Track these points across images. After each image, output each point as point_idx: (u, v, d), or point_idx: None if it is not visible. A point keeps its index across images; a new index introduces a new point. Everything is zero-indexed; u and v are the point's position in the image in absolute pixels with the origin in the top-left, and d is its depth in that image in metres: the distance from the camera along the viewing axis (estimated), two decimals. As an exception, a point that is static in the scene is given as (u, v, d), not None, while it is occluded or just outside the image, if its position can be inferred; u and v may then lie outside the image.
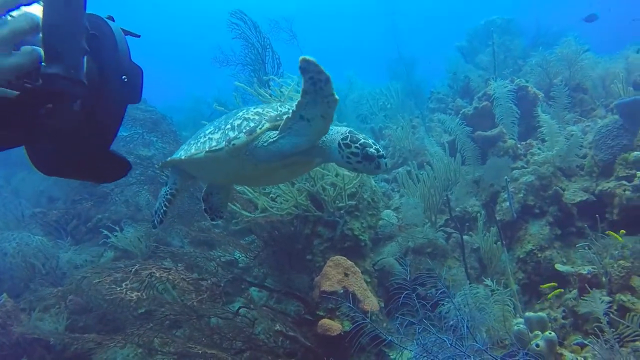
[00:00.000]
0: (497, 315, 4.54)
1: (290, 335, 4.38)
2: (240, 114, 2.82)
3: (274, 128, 2.62)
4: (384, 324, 5.18)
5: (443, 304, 4.54)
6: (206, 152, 2.75)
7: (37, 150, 1.23)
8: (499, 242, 5.45)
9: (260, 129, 2.62)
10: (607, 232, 4.89)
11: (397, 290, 4.36)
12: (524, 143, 6.94)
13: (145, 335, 4.25)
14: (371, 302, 5.03)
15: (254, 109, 2.84)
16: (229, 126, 2.77)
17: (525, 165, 6.35)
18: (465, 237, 5.94)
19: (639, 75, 7.46)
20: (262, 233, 5.77)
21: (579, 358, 3.63)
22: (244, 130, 2.65)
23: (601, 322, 3.62)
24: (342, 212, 5.43)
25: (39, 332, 5.19)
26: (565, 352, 3.71)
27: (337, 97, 2.26)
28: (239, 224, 5.64)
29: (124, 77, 1.20)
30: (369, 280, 5.50)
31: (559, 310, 4.76)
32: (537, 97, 7.71)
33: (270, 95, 5.41)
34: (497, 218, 5.87)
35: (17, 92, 0.96)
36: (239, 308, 4.55)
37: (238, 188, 5.36)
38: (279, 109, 2.78)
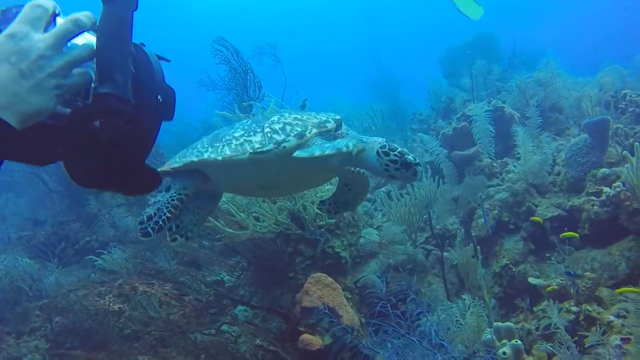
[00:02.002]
0: (472, 327, 4.69)
1: (271, 349, 4.50)
2: (275, 118, 2.88)
3: (320, 134, 2.77)
4: (365, 340, 5.30)
5: (421, 319, 4.69)
6: (250, 153, 2.73)
7: (77, 164, 1.33)
8: (475, 258, 5.62)
9: (309, 133, 2.73)
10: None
11: (378, 306, 4.52)
12: (500, 161, 7.17)
13: (129, 352, 4.35)
14: (351, 318, 5.16)
15: (290, 114, 2.93)
16: (268, 129, 2.80)
17: (501, 183, 6.57)
18: (444, 253, 6.11)
19: (609, 95, 7.74)
20: (245, 252, 5.90)
21: (544, 365, 3.79)
22: (293, 134, 2.73)
23: (564, 332, 3.78)
24: (323, 230, 5.59)
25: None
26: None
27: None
28: (222, 239, 5.77)
29: (159, 97, 1.35)
30: (349, 296, 5.64)
31: (533, 323, 4.91)
32: (513, 117, 7.98)
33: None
34: (473, 234, 6.06)
35: (70, 110, 1.12)
36: (221, 324, 4.66)
37: (225, 205, 5.51)
38: (317, 117, 2.91)
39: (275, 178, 2.98)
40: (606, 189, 5.42)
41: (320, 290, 5.21)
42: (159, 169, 3.09)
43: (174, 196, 3.00)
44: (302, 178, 3.05)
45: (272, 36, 9.43)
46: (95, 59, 1.14)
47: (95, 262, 7.47)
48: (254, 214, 5.50)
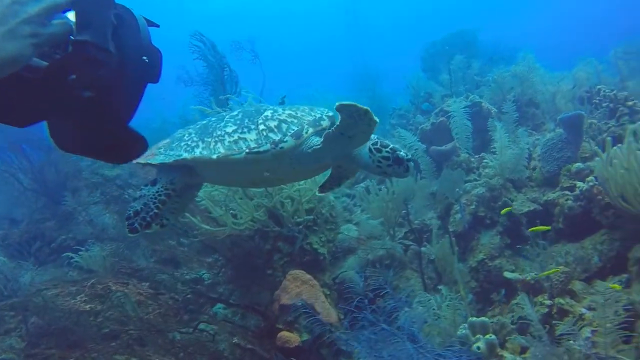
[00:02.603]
0: (450, 321, 4.73)
1: (248, 348, 4.49)
2: (268, 114, 2.85)
3: (316, 133, 2.75)
4: (344, 336, 5.32)
5: (398, 313, 4.73)
6: (247, 153, 2.70)
7: (59, 128, 1.32)
8: (451, 252, 5.67)
9: (306, 133, 2.72)
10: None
11: (356, 302, 4.55)
12: (477, 157, 7.24)
13: (106, 351, 4.31)
14: (329, 314, 5.17)
15: (284, 110, 2.90)
16: (262, 127, 2.77)
17: (478, 178, 6.63)
18: (423, 248, 6.15)
19: (584, 90, 7.85)
20: (223, 249, 5.87)
21: (518, 359, 3.85)
22: (290, 134, 2.72)
23: (538, 325, 3.84)
24: (300, 227, 5.58)
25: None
26: (506, 354, 3.91)
27: (376, 119, 2.47)
28: (198, 236, 5.73)
29: (144, 57, 1.32)
30: (328, 293, 5.65)
31: (509, 316, 4.97)
32: (491, 112, 8.05)
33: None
34: (451, 229, 6.11)
35: (47, 63, 1.09)
36: (199, 323, 4.64)
37: (203, 202, 5.48)
38: (312, 113, 2.89)
39: (269, 175, 2.96)
40: (580, 184, 5.50)
41: (299, 287, 5.22)
42: (142, 161, 2.99)
43: (161, 191, 2.96)
44: (296, 174, 3.05)
45: (252, 31, 9.41)
46: (74, 10, 1.12)
47: (73, 261, 7.38)
48: (231, 211, 5.48)
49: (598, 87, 7.55)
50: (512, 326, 4.74)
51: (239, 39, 8.79)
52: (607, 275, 4.83)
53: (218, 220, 5.40)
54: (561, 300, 4.31)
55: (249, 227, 5.39)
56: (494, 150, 6.70)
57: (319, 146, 2.72)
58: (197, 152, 2.81)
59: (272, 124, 2.78)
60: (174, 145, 2.97)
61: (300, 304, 5.03)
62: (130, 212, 2.91)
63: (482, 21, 14.69)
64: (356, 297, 4.78)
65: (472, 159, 7.18)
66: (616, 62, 9.47)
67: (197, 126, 3.07)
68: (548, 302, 4.40)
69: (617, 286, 4.11)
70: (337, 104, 2.37)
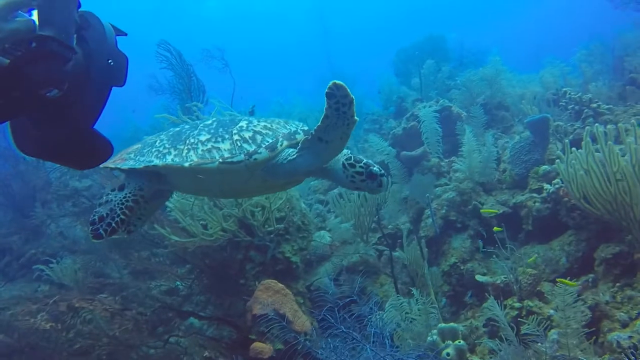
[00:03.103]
0: (422, 325, 4.75)
1: (220, 360, 4.44)
2: (243, 124, 2.81)
3: (291, 146, 2.72)
4: (319, 343, 5.30)
5: (371, 319, 4.73)
6: (220, 162, 2.65)
7: (22, 130, 1.30)
8: (422, 257, 5.69)
9: (280, 145, 2.68)
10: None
11: (324, 310, 4.54)
12: (447, 161, 7.30)
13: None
14: (303, 323, 5.15)
15: (259, 121, 2.86)
16: (237, 137, 2.73)
17: (448, 182, 6.68)
18: (396, 253, 6.16)
19: (551, 93, 7.99)
20: (195, 260, 5.81)
21: (487, 363, 3.88)
22: (264, 145, 2.68)
23: (508, 328, 3.88)
24: (272, 236, 5.55)
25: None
26: (475, 359, 3.94)
27: (356, 118, 2.45)
28: (168, 247, 5.66)
29: (110, 60, 1.32)
30: (302, 301, 5.62)
31: (481, 319, 5.01)
32: (460, 116, 8.14)
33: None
34: (422, 234, 6.15)
35: (9, 60, 1.06)
36: (169, 337, 4.57)
37: (172, 213, 5.41)
38: (286, 126, 2.86)
39: (241, 186, 2.93)
40: (547, 186, 5.59)
41: (271, 297, 5.19)
42: (111, 165, 2.92)
43: (129, 197, 2.88)
44: (267, 187, 3.02)
45: (226, 38, 9.34)
46: (37, 8, 1.11)
47: (43, 274, 7.21)
48: (201, 222, 5.43)
49: (564, 89, 7.70)
50: (483, 329, 4.78)
51: (213, 45, 8.76)
52: (575, 275, 4.92)
53: (188, 230, 5.34)
54: (530, 303, 4.36)
55: (219, 237, 5.34)
56: (461, 153, 6.78)
57: (293, 157, 2.69)
58: (169, 159, 2.75)
59: (247, 134, 2.75)
60: (144, 151, 2.90)
61: (272, 314, 5.00)
62: (95, 217, 2.80)
63: (451, 28, 14.86)
64: (330, 305, 4.80)
65: (442, 163, 7.24)
66: (580, 65, 9.71)
67: (170, 133, 3.00)
68: (517, 304, 4.45)
69: (572, 283, 4.18)
70: (331, 82, 2.33)
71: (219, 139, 2.75)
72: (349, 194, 6.72)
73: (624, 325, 3.87)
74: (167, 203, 5.67)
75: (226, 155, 2.67)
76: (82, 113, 1.26)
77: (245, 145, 2.70)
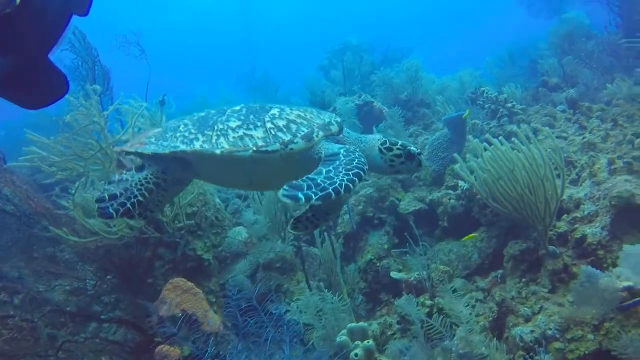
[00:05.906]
0: (333, 325, 4.65)
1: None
2: (275, 112, 2.69)
3: (325, 137, 2.63)
4: (231, 344, 5.09)
5: (283, 318, 4.59)
6: (254, 151, 2.51)
7: None
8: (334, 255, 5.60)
9: (317, 136, 2.58)
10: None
11: (232, 308, 4.37)
12: (367, 156, 7.26)
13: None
14: (213, 323, 4.93)
15: (291, 110, 2.74)
16: (270, 125, 2.60)
17: (367, 178, 6.63)
18: (315, 249, 6.04)
19: (470, 92, 8.16)
20: (99, 259, 5.42)
21: (395, 362, 3.83)
22: (300, 135, 2.57)
23: (417, 326, 3.84)
24: (182, 232, 5.27)
25: None
26: (384, 359, 3.88)
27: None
28: (66, 249, 5.24)
29: None
30: (214, 300, 5.39)
31: (395, 316, 4.98)
32: (382, 112, 8.14)
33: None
34: (339, 230, 6.07)
35: None
36: (62, 343, 4.20)
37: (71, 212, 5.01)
38: (320, 116, 2.76)
39: (272, 175, 2.75)
40: (461, 183, 5.65)
41: (179, 297, 4.92)
42: (132, 149, 2.69)
43: (150, 178, 2.67)
44: (297, 174, 2.79)
45: (141, 26, 8.81)
46: None
47: None
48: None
49: (482, 89, 7.88)
50: (397, 326, 4.75)
51: (128, 30, 8.23)
52: (485, 272, 5.00)
53: (90, 229, 4.94)
54: (441, 300, 4.35)
55: (125, 235, 4.99)
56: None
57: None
58: (197, 145, 2.57)
59: (281, 123, 2.62)
60: (167, 135, 2.70)
61: (180, 314, 4.74)
62: (105, 194, 2.55)
63: (376, 34, 15.20)
64: (244, 303, 4.62)
65: (363, 159, 7.19)
66: (490, 70, 10.63)
67: (194, 117, 2.80)
68: (429, 302, 4.44)
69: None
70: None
71: (251, 126, 2.61)
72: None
73: (527, 320, 3.93)
74: (64, 202, 5.26)
75: (260, 143, 2.54)
76: (37, 36, 1.08)
77: (280, 134, 2.58)
